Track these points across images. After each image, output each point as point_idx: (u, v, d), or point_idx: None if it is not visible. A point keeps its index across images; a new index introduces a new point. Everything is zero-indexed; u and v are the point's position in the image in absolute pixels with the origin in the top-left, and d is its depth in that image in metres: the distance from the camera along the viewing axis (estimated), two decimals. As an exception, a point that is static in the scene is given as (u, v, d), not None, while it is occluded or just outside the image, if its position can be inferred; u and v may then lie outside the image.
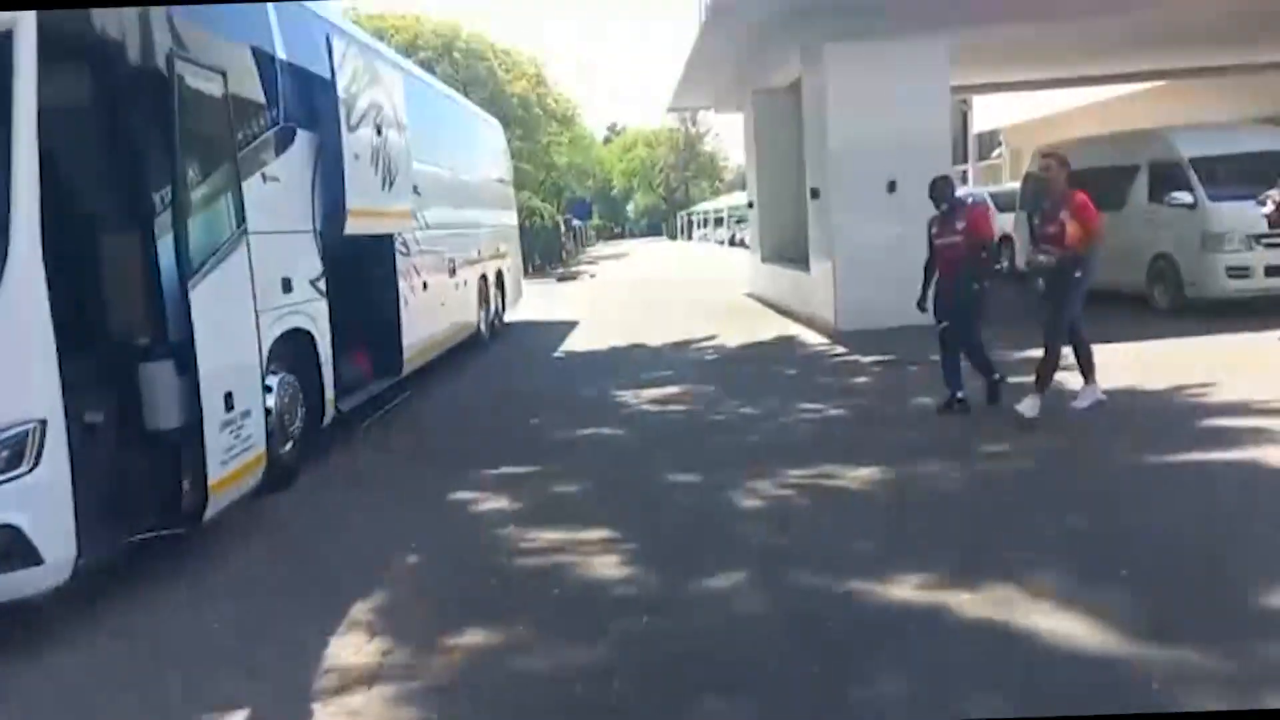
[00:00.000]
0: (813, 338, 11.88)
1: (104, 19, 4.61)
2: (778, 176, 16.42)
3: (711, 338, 12.45)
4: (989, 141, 34.21)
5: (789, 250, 15.75)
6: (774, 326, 13.35)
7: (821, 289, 12.63)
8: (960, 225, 7.03)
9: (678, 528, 5.08)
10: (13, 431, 3.77)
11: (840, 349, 10.73)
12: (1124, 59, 17.56)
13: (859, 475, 5.78)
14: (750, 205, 19.15)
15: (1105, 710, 3.03)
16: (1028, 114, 24.86)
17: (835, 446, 6.54)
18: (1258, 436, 5.94)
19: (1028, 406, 6.54)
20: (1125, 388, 7.62)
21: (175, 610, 4.36)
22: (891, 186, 11.66)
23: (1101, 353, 8.18)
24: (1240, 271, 10.63)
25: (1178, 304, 11.19)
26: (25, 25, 3.93)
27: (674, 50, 15.64)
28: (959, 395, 7.10)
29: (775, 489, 5.59)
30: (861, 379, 9.03)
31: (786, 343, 11.82)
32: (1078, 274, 6.46)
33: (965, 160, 33.45)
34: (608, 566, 4.59)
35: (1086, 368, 6.82)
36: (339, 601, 4.29)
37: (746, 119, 18.43)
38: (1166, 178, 11.45)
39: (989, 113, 28.98)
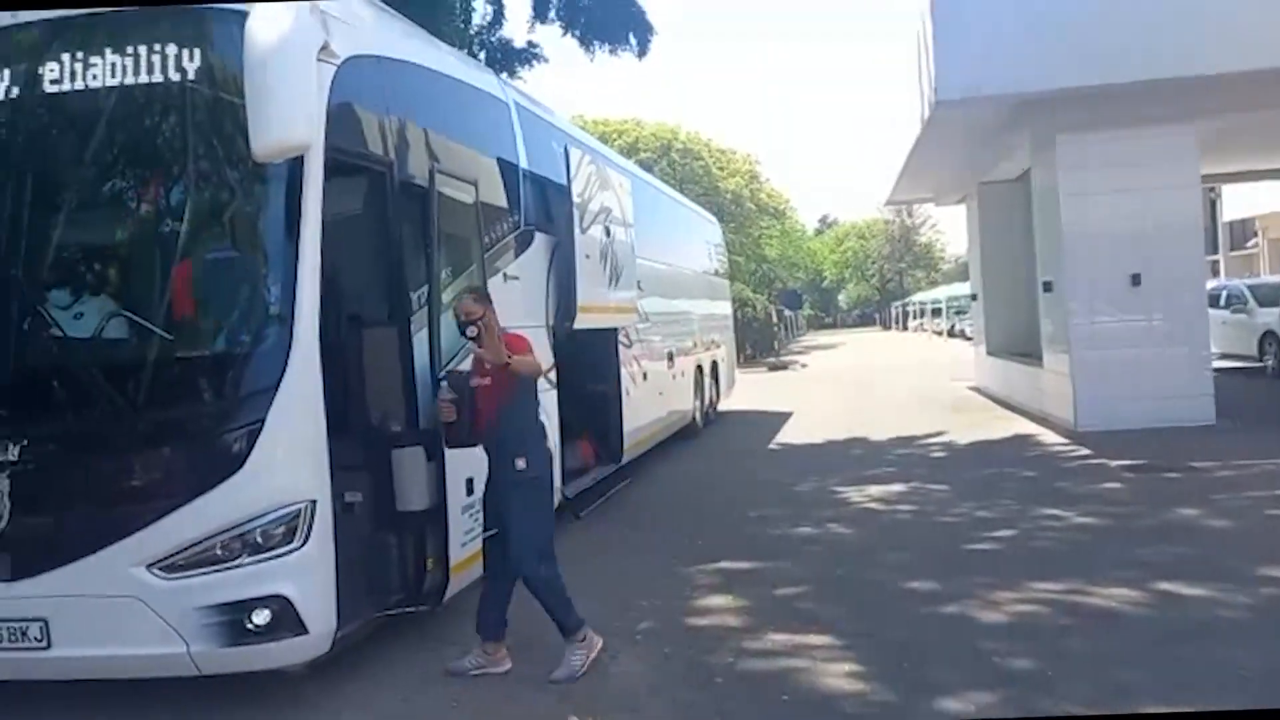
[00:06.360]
0: (1049, 437, 11.09)
1: (381, 136, 5.10)
2: (1004, 268, 15.74)
3: (938, 434, 11.89)
4: (1242, 230, 31.53)
5: (1017, 343, 14.95)
6: (1004, 424, 12.59)
7: (1057, 385, 11.85)
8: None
9: (911, 639, 4.77)
10: (288, 510, 4.09)
11: (1083, 450, 9.95)
12: None
13: (1116, 594, 5.24)
14: (974, 297, 18.40)
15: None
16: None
17: (1085, 559, 5.98)
18: None
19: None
20: None
21: (417, 685, 4.54)
22: (1135, 279, 10.91)
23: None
24: None
25: None
26: (317, 145, 4.39)
27: (889, 143, 15.46)
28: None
29: (1019, 604, 5.17)
30: (1110, 485, 8.28)
31: (1021, 441, 11.07)
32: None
33: (1215, 251, 30.88)
34: (838, 676, 4.37)
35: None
36: (560, 691, 4.33)
37: (970, 211, 17.89)
38: None
39: (1241, 200, 26.77)
